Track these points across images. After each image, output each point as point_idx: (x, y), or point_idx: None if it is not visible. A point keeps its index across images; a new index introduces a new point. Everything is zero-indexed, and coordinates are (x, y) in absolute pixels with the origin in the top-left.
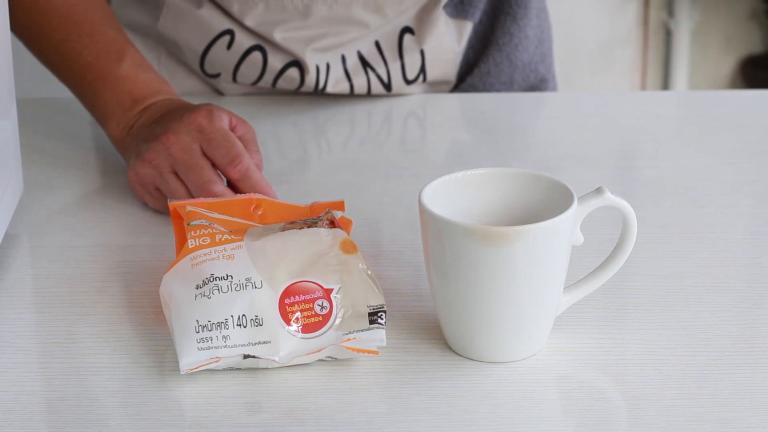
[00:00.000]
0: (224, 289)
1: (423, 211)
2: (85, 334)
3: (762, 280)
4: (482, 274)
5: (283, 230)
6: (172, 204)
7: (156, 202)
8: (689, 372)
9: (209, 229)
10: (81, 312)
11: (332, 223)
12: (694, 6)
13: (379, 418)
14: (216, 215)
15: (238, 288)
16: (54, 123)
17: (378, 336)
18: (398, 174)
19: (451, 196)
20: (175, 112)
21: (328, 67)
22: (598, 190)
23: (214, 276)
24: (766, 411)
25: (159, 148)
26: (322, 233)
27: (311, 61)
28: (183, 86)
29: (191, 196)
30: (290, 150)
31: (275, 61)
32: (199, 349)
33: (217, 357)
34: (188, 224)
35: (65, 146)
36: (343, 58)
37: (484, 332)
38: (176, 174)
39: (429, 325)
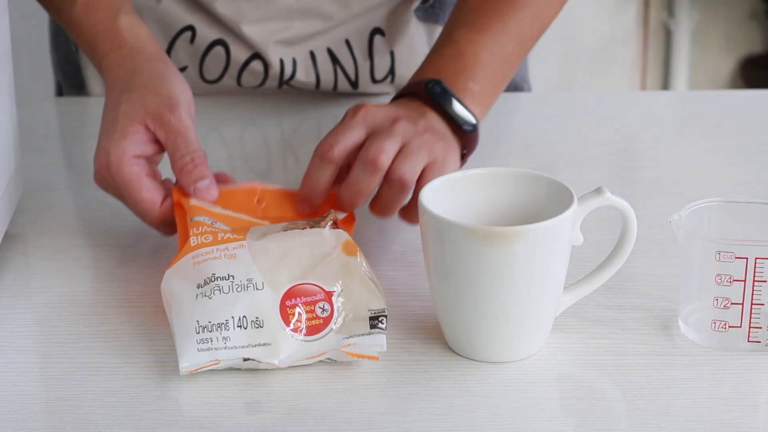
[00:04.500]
0: (225, 289)
1: (423, 211)
2: (85, 334)
3: None
4: (482, 274)
5: (286, 230)
6: (176, 195)
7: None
8: (689, 372)
9: (212, 227)
10: (81, 312)
11: (335, 224)
12: (694, 6)
13: (379, 418)
14: (219, 210)
15: (239, 289)
16: (54, 123)
17: (378, 341)
18: None
19: (451, 196)
20: (104, 125)
21: (294, 62)
22: (598, 190)
23: (216, 276)
24: (766, 411)
25: (97, 175)
26: (325, 234)
27: (274, 54)
28: None
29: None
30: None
31: (239, 54)
32: (198, 350)
33: (216, 360)
34: (191, 219)
35: (65, 146)
36: (312, 55)
37: (484, 332)
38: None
39: (429, 325)
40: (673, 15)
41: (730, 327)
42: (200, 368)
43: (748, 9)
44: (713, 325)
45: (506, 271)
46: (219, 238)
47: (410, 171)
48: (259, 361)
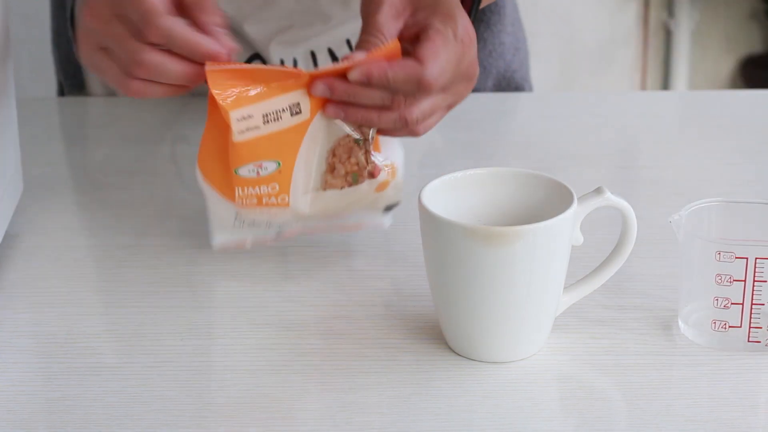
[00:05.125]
0: (261, 229)
1: (423, 211)
2: (85, 334)
3: None
4: (482, 274)
5: (325, 189)
6: (212, 85)
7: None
8: (689, 372)
9: (257, 188)
10: (81, 312)
11: (372, 174)
12: (694, 6)
13: (379, 418)
14: (259, 107)
15: (275, 228)
16: (54, 123)
17: (385, 219)
18: None
19: (451, 196)
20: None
21: (295, 61)
22: (598, 190)
23: (255, 221)
24: (766, 411)
25: (82, 25)
26: (363, 189)
27: (275, 53)
28: None
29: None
30: None
31: (239, 54)
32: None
33: (245, 239)
34: (236, 172)
35: (65, 146)
36: (313, 54)
37: (484, 332)
38: (106, 50)
39: (429, 325)
40: (673, 15)
41: (730, 327)
42: (230, 246)
43: (748, 9)
44: (713, 325)
45: (506, 271)
46: (264, 203)
47: (423, 127)
48: (282, 232)
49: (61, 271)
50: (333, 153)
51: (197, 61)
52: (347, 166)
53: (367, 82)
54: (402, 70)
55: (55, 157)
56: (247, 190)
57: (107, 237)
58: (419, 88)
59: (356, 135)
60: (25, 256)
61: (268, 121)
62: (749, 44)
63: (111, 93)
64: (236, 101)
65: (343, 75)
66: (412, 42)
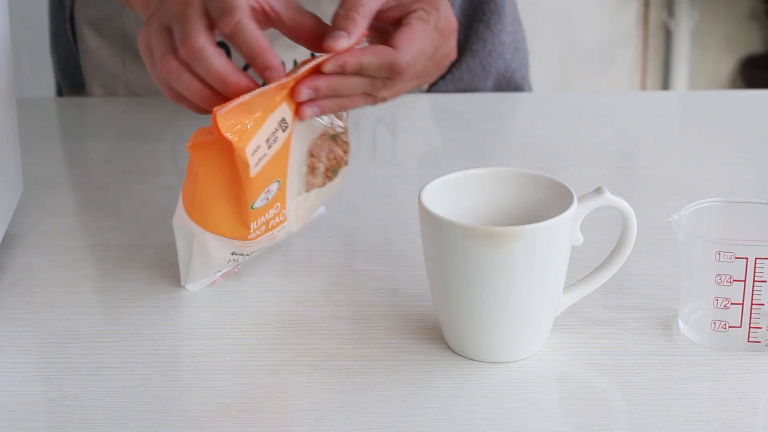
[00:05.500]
0: (255, 254)
1: (423, 211)
2: (85, 334)
3: None
4: (482, 274)
5: (308, 191)
6: (222, 128)
7: (151, 67)
8: (689, 372)
9: (266, 213)
10: (81, 312)
11: (347, 162)
12: (694, 6)
13: (379, 418)
14: (263, 144)
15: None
16: (54, 123)
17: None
18: (398, 174)
19: (451, 196)
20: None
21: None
22: (598, 190)
23: (253, 252)
24: (766, 411)
25: (161, 7)
26: (336, 182)
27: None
28: (152, 86)
29: (175, 52)
30: None
31: (240, 56)
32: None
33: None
34: (252, 207)
35: (65, 146)
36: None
37: (484, 332)
38: (169, 29)
39: (429, 325)
40: (673, 15)
41: (730, 327)
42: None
43: (748, 9)
44: (713, 325)
45: (506, 271)
46: (270, 225)
47: (387, 99)
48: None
49: (61, 271)
50: (311, 154)
51: (256, 65)
52: (326, 163)
53: (342, 72)
54: (375, 55)
55: (55, 157)
56: (260, 220)
57: (107, 237)
58: (392, 72)
59: (331, 131)
60: (25, 256)
61: (270, 145)
62: (749, 44)
63: (110, 93)
64: (245, 136)
65: (320, 70)
66: (393, 25)
